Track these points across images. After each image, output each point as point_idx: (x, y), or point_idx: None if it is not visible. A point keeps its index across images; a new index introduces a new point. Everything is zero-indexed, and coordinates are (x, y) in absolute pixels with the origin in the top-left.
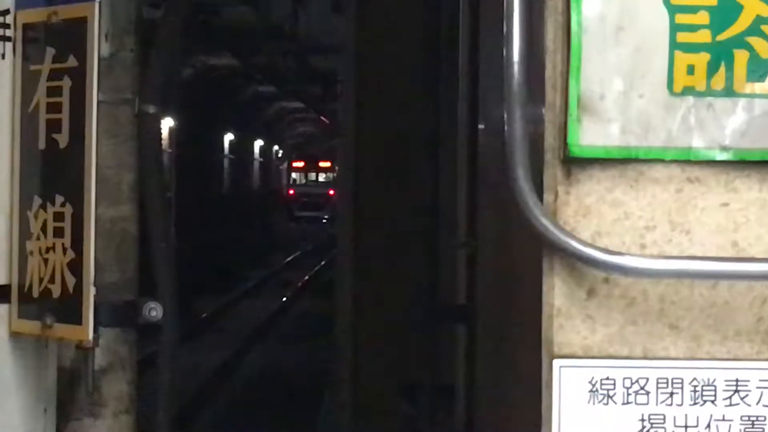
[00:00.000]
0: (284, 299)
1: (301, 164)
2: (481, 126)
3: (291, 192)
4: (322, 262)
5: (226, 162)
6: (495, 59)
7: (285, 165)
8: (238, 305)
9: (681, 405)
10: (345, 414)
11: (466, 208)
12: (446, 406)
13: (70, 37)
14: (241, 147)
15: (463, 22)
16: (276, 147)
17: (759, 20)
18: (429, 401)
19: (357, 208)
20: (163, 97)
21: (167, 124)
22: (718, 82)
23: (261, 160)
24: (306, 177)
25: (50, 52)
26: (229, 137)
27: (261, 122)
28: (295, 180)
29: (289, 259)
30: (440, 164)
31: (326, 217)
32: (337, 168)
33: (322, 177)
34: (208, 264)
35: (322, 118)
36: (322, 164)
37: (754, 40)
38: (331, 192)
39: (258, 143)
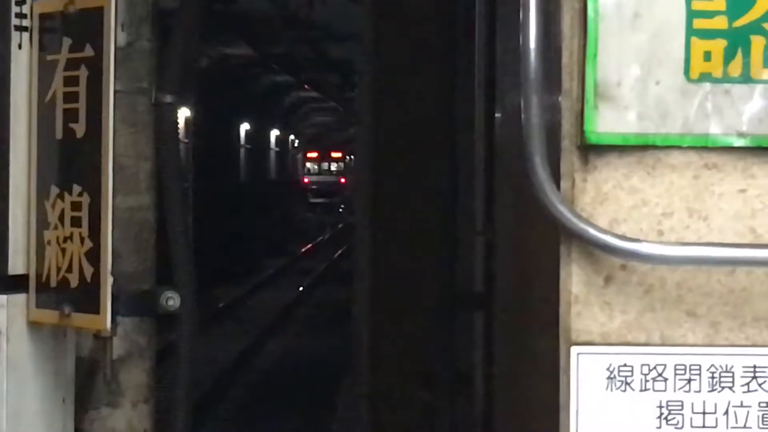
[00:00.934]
0: (301, 288)
1: (314, 155)
2: (498, 113)
3: (306, 180)
4: (340, 251)
5: (242, 152)
6: (512, 47)
7: (300, 155)
8: (255, 294)
9: (699, 391)
10: (362, 401)
11: (483, 195)
12: (464, 393)
13: (86, 27)
14: (258, 137)
15: (479, 9)
16: (292, 137)
17: None
18: (447, 388)
19: (374, 196)
20: (180, 87)
21: (184, 113)
22: (735, 68)
23: (277, 149)
24: (319, 167)
25: (67, 41)
26: (245, 127)
27: (277, 112)
28: (309, 169)
29: (307, 247)
30: (458, 152)
31: (343, 205)
32: (351, 157)
33: (333, 166)
34: (226, 253)
35: (339, 107)
36: (333, 154)
37: None
38: (342, 180)
39: (274, 133)
